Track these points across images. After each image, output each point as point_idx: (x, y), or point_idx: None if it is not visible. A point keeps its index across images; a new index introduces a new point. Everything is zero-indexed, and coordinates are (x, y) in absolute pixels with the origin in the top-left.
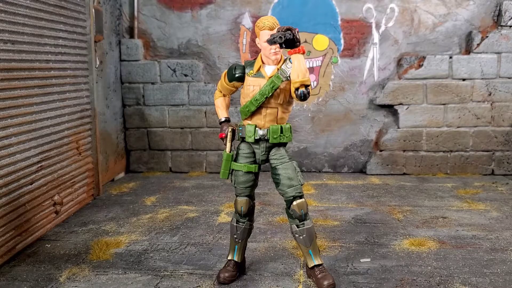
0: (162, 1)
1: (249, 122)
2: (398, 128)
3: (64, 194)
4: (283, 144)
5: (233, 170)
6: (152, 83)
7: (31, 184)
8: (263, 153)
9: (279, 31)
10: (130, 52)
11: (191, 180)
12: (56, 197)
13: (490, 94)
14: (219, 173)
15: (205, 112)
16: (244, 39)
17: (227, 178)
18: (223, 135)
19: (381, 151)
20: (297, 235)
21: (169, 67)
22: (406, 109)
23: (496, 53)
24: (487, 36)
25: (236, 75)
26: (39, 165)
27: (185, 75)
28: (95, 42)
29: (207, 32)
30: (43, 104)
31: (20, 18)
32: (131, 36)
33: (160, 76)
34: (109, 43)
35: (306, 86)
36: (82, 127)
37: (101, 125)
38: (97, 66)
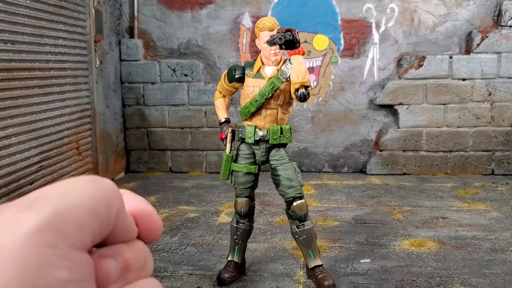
0: (162, 1)
1: (249, 123)
2: (398, 128)
3: None
4: (283, 145)
5: (233, 171)
6: (152, 83)
7: (31, 184)
8: (263, 154)
9: (279, 32)
10: (130, 52)
11: (191, 180)
12: None
13: (490, 94)
14: (219, 173)
15: (205, 112)
16: (244, 39)
17: (227, 179)
18: (223, 136)
19: (381, 151)
20: (297, 236)
21: (169, 67)
22: (406, 109)
23: (496, 53)
24: (487, 36)
25: (236, 76)
26: (39, 165)
27: (185, 75)
28: (95, 42)
29: (207, 32)
30: (43, 104)
31: (20, 18)
32: (131, 36)
33: (160, 76)
34: (109, 43)
35: (306, 87)
36: (82, 127)
37: (101, 125)
38: (97, 66)
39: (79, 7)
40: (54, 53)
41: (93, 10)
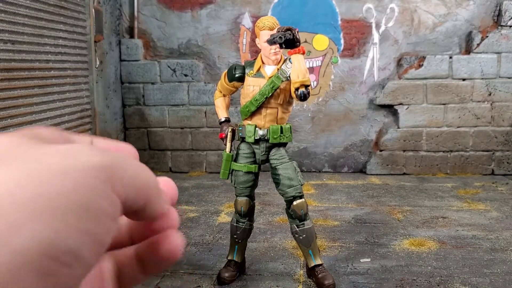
0: (162, 1)
1: (249, 122)
2: (398, 128)
3: None
4: (283, 144)
5: (233, 170)
6: (152, 83)
7: None
8: (263, 153)
9: (279, 31)
10: (130, 52)
11: (191, 180)
12: None
13: (490, 94)
14: (219, 173)
15: (205, 112)
16: (244, 39)
17: (227, 178)
18: (223, 135)
19: (381, 151)
20: (297, 235)
21: (169, 67)
22: (406, 109)
23: (496, 53)
24: (487, 36)
25: (236, 75)
26: None
27: (185, 75)
28: (95, 42)
29: (207, 32)
30: (43, 104)
31: (20, 18)
32: (131, 36)
33: (160, 76)
34: (109, 43)
35: (306, 86)
36: (82, 127)
37: (101, 125)
38: (97, 66)
39: (79, 7)
40: (54, 53)
41: (93, 10)
